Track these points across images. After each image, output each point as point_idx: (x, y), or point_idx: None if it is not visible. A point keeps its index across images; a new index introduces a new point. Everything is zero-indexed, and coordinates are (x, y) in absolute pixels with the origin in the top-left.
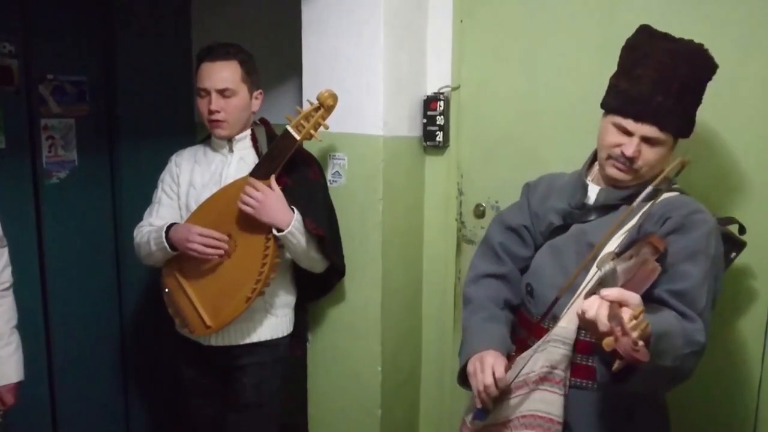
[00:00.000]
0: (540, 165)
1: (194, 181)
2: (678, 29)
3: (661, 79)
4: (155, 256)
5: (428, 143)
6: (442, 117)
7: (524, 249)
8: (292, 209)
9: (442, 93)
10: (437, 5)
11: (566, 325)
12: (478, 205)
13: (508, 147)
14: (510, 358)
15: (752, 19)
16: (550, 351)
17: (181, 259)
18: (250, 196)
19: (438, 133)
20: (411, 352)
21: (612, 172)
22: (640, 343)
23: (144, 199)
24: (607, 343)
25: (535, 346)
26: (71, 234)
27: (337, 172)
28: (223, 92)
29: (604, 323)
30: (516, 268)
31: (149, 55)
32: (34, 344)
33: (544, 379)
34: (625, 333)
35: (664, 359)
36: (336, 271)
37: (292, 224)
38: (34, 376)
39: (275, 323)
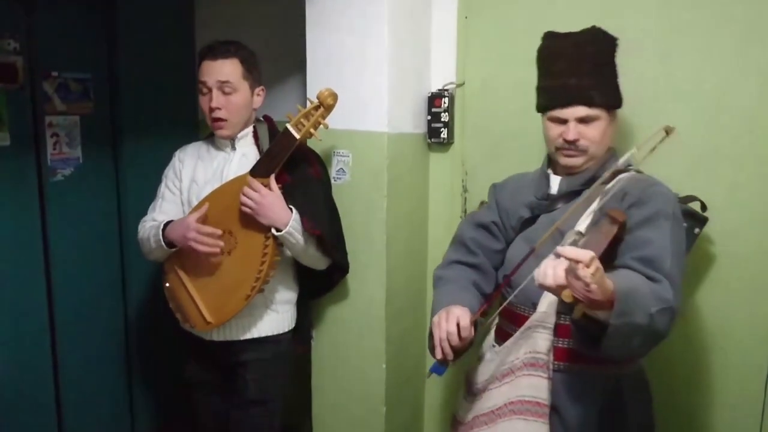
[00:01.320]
0: None
1: (196, 177)
2: (682, 24)
3: (572, 66)
4: (155, 253)
5: (433, 140)
6: (446, 114)
7: (495, 243)
8: (291, 208)
9: (447, 90)
10: (442, 1)
11: (546, 310)
12: (482, 202)
13: (512, 144)
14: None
15: (752, 11)
16: (533, 337)
17: (182, 255)
18: (248, 197)
19: (442, 130)
20: (415, 349)
21: (565, 161)
22: (593, 286)
23: (148, 195)
24: (566, 294)
25: (517, 334)
26: (76, 231)
27: (342, 169)
28: (223, 87)
29: (561, 277)
30: (487, 261)
31: (153, 53)
32: (39, 340)
33: (528, 364)
34: (577, 278)
35: (635, 316)
36: (338, 268)
37: (290, 224)
38: (40, 372)
39: (276, 319)
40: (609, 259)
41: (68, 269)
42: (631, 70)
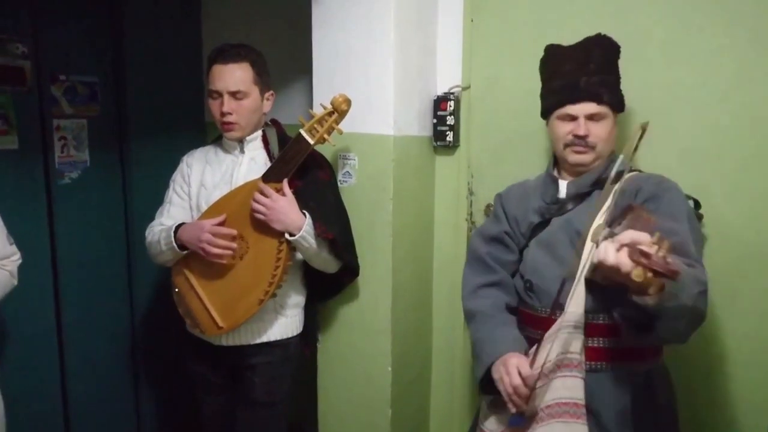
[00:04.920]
0: None
1: (205, 181)
2: (687, 23)
3: (580, 66)
4: (165, 256)
5: (438, 143)
6: (452, 117)
7: (510, 255)
8: (304, 213)
9: (453, 93)
10: (448, 4)
11: (575, 310)
12: (488, 205)
13: (518, 147)
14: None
15: (762, 12)
16: (564, 338)
17: (191, 259)
18: (260, 203)
19: (448, 133)
20: (421, 351)
21: (573, 158)
22: (670, 258)
23: (155, 198)
24: (638, 273)
25: (547, 337)
26: (83, 234)
27: (348, 172)
28: (235, 94)
29: (627, 263)
30: (507, 275)
31: (159, 55)
32: (46, 343)
33: (561, 366)
34: (650, 255)
35: (682, 298)
36: (348, 271)
37: (303, 228)
38: (47, 374)
39: (285, 323)
40: None
41: (75, 272)
42: (635, 72)
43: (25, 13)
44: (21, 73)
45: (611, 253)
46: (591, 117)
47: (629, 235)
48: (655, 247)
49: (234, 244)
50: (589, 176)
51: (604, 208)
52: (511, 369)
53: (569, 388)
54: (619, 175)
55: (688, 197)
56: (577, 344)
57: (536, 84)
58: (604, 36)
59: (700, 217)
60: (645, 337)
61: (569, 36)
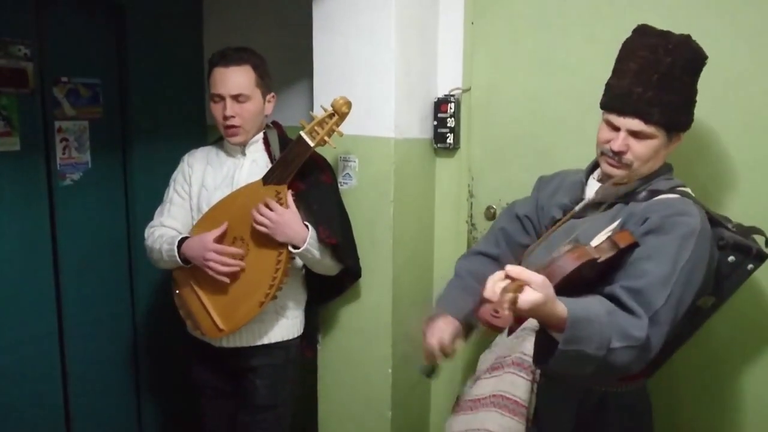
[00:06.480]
0: (551, 167)
1: (206, 182)
2: (689, 28)
3: (641, 72)
4: (166, 264)
5: (439, 145)
6: (452, 119)
7: (525, 237)
8: (307, 226)
9: (453, 95)
10: (448, 7)
11: None
12: (488, 207)
13: (519, 149)
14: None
15: (764, 17)
16: (525, 338)
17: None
18: (265, 216)
19: (449, 135)
20: (422, 354)
21: (605, 168)
22: (504, 312)
23: (156, 200)
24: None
25: (516, 332)
26: (84, 235)
27: (348, 174)
28: (237, 98)
29: (493, 295)
30: (510, 254)
31: (161, 58)
32: (48, 345)
33: (516, 364)
34: (487, 301)
35: (587, 345)
36: (349, 273)
37: (308, 241)
38: (48, 376)
39: (286, 325)
40: (600, 281)
41: (77, 273)
42: None
43: (28, 15)
44: (23, 75)
45: (489, 286)
46: (634, 134)
47: (518, 271)
48: (508, 295)
49: (242, 263)
50: (619, 189)
51: (612, 226)
52: (435, 331)
53: (516, 386)
54: (653, 193)
55: (757, 231)
56: (530, 347)
57: (537, 86)
58: (684, 41)
59: (764, 258)
60: (542, 366)
61: (570, 40)
